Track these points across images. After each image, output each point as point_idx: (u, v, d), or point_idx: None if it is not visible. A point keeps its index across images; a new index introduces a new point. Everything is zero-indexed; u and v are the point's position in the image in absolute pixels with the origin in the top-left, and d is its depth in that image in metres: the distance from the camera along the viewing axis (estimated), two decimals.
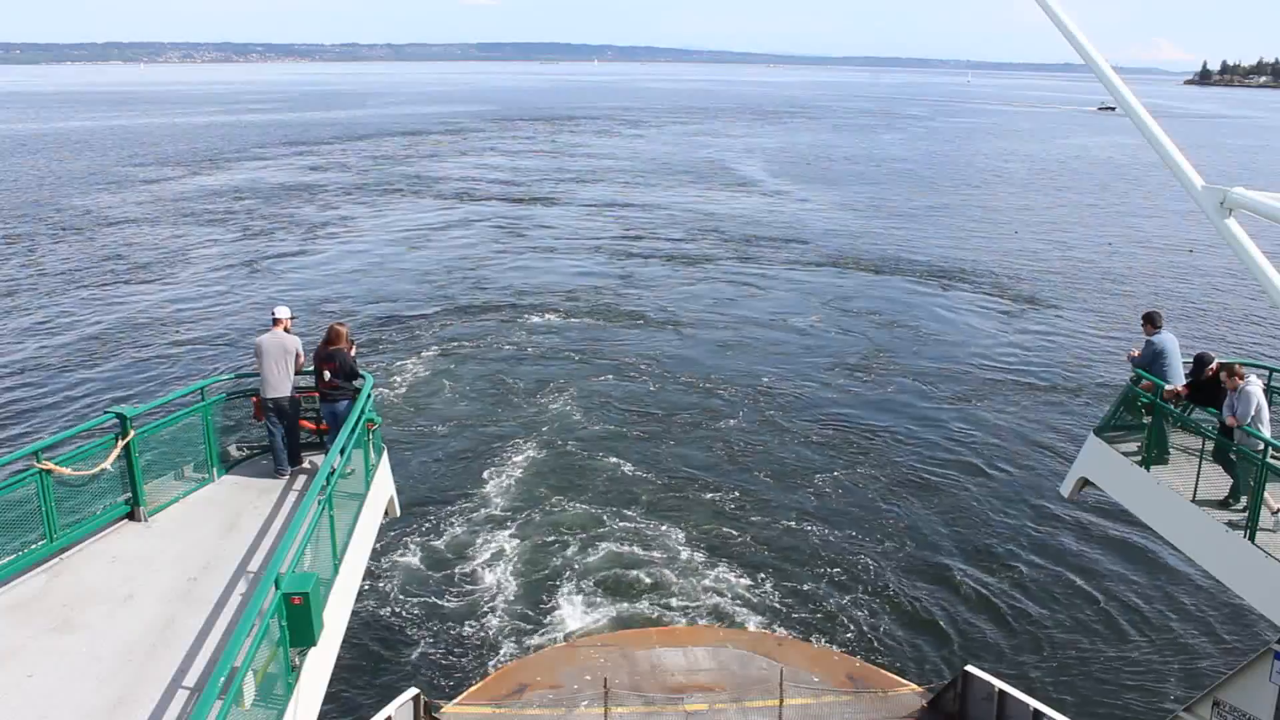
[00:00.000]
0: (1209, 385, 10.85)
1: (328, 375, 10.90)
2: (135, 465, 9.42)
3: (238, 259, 43.67)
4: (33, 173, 73.79)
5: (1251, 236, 7.82)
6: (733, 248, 47.66)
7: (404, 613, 16.10)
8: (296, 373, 10.92)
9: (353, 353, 11.29)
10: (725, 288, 39.72)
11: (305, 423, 11.20)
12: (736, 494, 20.80)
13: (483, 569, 17.51)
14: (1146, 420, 11.47)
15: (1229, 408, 10.08)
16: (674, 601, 16.56)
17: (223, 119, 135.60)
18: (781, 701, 12.31)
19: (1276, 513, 9.28)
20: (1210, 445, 10.37)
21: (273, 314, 10.99)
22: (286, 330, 10.96)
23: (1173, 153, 8.25)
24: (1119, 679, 14.93)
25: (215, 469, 10.57)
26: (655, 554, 18.15)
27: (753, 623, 15.91)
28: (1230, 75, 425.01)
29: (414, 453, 22.51)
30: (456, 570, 17.46)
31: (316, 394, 11.07)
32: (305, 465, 10.99)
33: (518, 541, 18.51)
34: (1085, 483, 12.28)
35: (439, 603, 16.40)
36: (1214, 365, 10.74)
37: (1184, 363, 11.78)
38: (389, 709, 11.64)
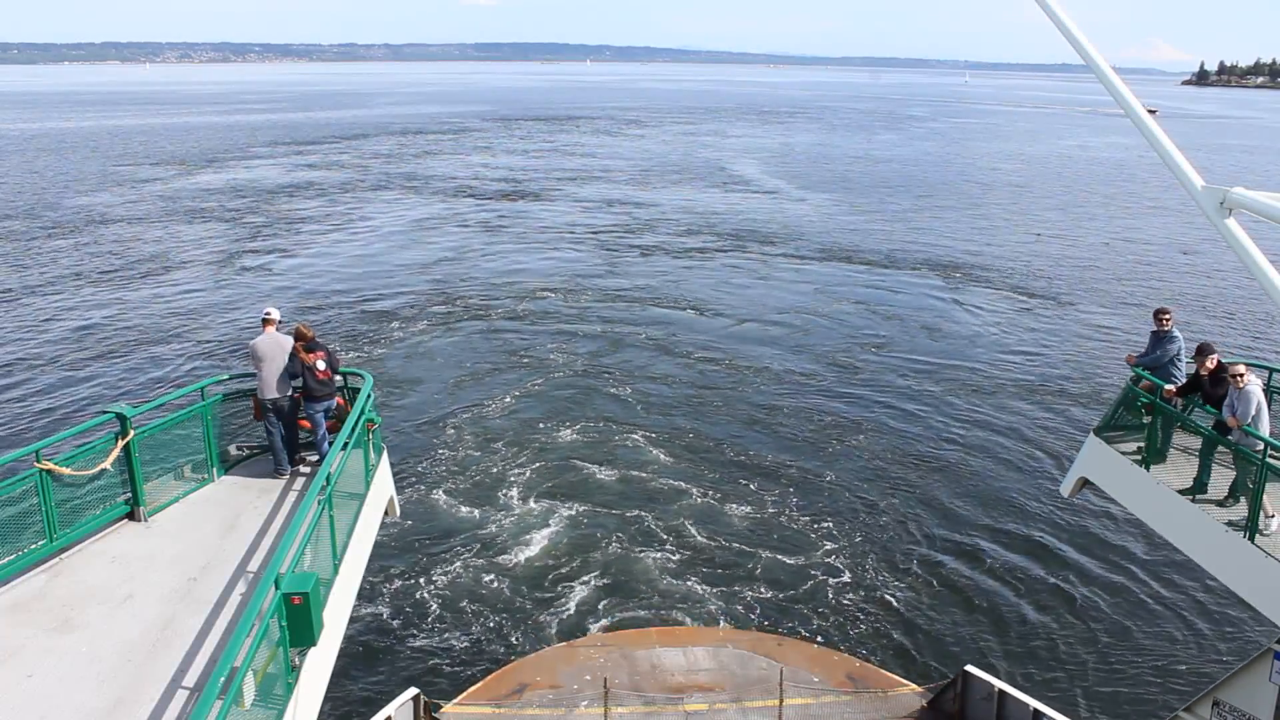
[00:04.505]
0: (1209, 379, 10.83)
1: (321, 365, 10.82)
2: (135, 465, 9.42)
3: (237, 258, 43.67)
4: (32, 173, 73.75)
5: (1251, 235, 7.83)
6: (733, 244, 47.65)
7: (404, 613, 16.09)
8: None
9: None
10: (724, 283, 39.71)
11: (304, 423, 11.18)
12: (734, 493, 20.78)
13: (483, 568, 17.51)
14: (1146, 420, 11.47)
15: (1229, 407, 10.07)
16: (674, 601, 16.57)
17: (222, 119, 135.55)
18: (781, 701, 12.31)
19: (1272, 517, 9.29)
20: (1210, 446, 10.36)
21: (264, 315, 10.94)
22: (278, 330, 10.92)
23: (1172, 153, 8.25)
24: (1119, 679, 14.94)
25: (215, 469, 10.56)
26: (655, 553, 18.15)
27: (752, 623, 15.91)
28: (1228, 76, 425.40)
29: (414, 452, 22.50)
30: (457, 570, 17.45)
31: (301, 396, 10.94)
32: (305, 465, 10.98)
33: (518, 541, 18.50)
34: (1085, 482, 12.28)
35: (439, 603, 16.40)
36: (1213, 359, 10.74)
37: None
38: (389, 709, 11.64)
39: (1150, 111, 8.72)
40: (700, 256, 45.38)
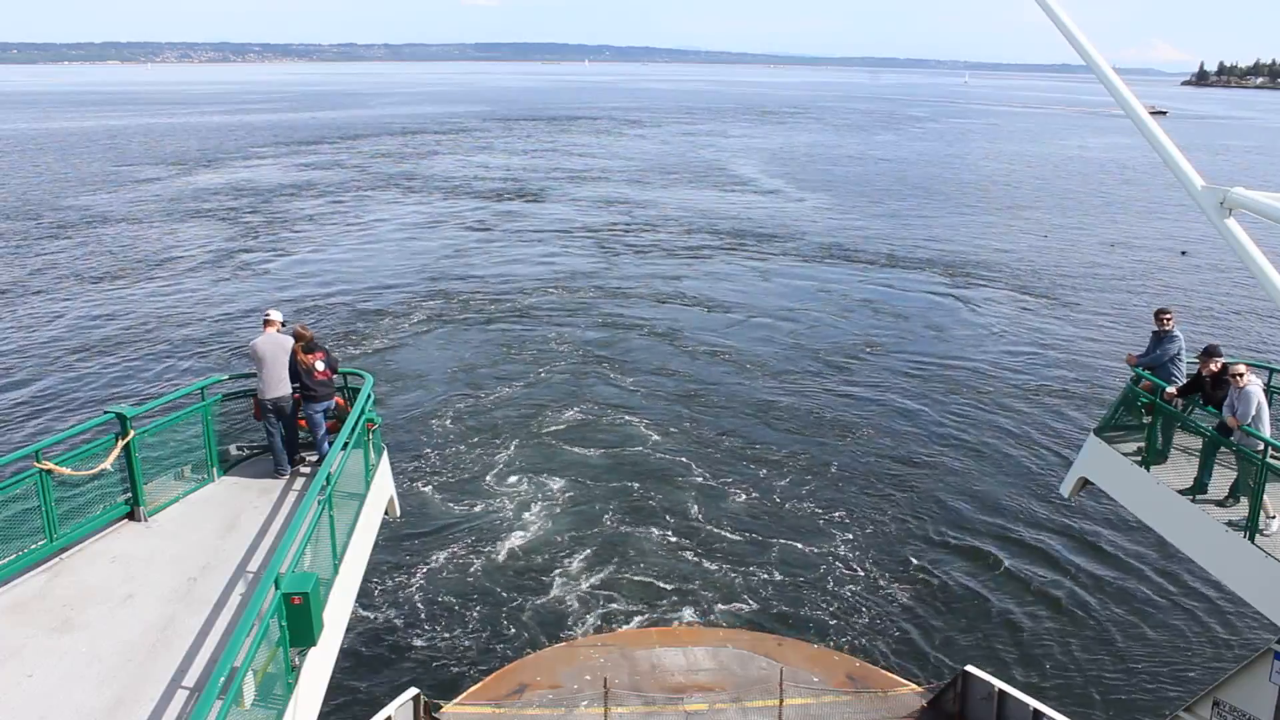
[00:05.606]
0: (1209, 381, 10.84)
1: (320, 365, 10.84)
2: (135, 465, 9.41)
3: (237, 258, 43.67)
4: (31, 173, 73.73)
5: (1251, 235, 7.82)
6: (733, 244, 47.62)
7: (404, 613, 16.10)
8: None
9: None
10: (724, 282, 39.70)
11: (305, 423, 11.18)
12: (735, 490, 20.78)
13: (483, 568, 17.51)
14: (1147, 420, 11.48)
15: (1229, 407, 10.08)
16: (674, 600, 16.57)
17: (222, 119, 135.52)
18: (781, 701, 12.31)
19: (1273, 517, 9.29)
20: (1211, 446, 10.36)
21: (266, 316, 10.96)
22: (279, 332, 10.93)
23: (1173, 153, 8.24)
24: (1119, 679, 14.94)
25: (215, 469, 10.56)
26: (655, 553, 18.15)
27: (752, 618, 15.91)
28: (1227, 76, 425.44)
29: (415, 451, 22.49)
30: (457, 569, 17.46)
31: (299, 397, 10.93)
32: (305, 465, 10.98)
33: (518, 540, 18.52)
34: (1085, 482, 12.29)
35: (439, 603, 16.40)
36: (1218, 362, 10.73)
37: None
38: (389, 709, 11.63)
39: (1160, 113, 8.73)
40: (700, 256, 45.37)
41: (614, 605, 16.43)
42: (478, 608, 16.28)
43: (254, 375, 10.82)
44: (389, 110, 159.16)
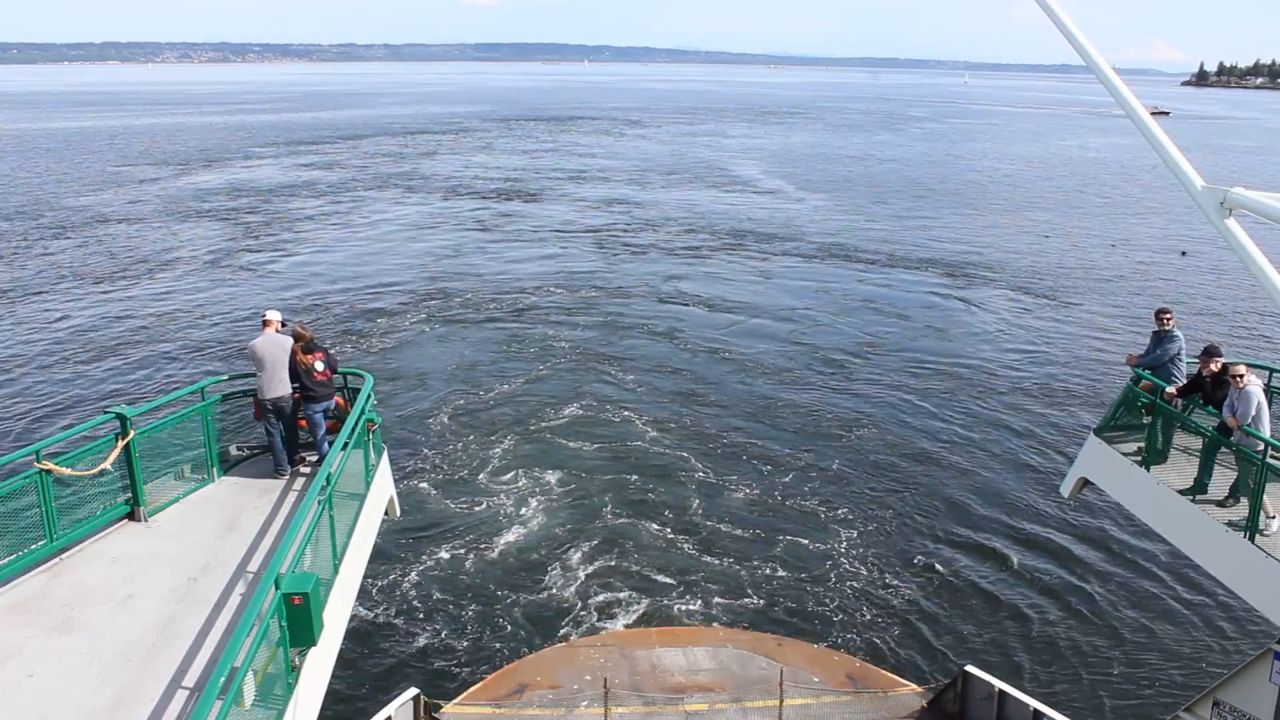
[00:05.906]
0: (1209, 381, 10.84)
1: (320, 366, 10.85)
2: (135, 465, 9.42)
3: (237, 258, 43.67)
4: (31, 173, 73.73)
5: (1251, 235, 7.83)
6: (733, 244, 47.63)
7: (404, 613, 16.09)
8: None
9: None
10: (724, 282, 39.67)
11: (305, 423, 11.19)
12: (735, 490, 20.78)
13: (483, 567, 17.51)
14: (1147, 421, 11.48)
15: (1229, 408, 10.08)
16: (674, 600, 16.56)
17: (222, 119, 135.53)
18: (781, 702, 12.31)
19: (1273, 518, 9.30)
20: (1211, 446, 10.37)
21: (264, 317, 10.97)
22: (278, 332, 10.93)
23: (1173, 153, 8.25)
24: (1119, 679, 14.94)
25: (215, 469, 10.56)
26: (655, 553, 18.15)
27: (753, 623, 15.91)
28: (1227, 77, 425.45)
29: (415, 451, 22.50)
30: (457, 570, 17.46)
31: (299, 397, 10.93)
32: (305, 465, 10.98)
33: (519, 538, 18.52)
34: (1085, 482, 12.29)
35: (439, 603, 16.40)
36: (1218, 362, 10.73)
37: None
38: (389, 709, 11.64)
39: (1162, 113, 8.73)
40: (700, 256, 45.37)
41: (614, 601, 16.43)
42: (478, 607, 16.28)
43: (254, 375, 10.82)
44: (389, 110, 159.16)
